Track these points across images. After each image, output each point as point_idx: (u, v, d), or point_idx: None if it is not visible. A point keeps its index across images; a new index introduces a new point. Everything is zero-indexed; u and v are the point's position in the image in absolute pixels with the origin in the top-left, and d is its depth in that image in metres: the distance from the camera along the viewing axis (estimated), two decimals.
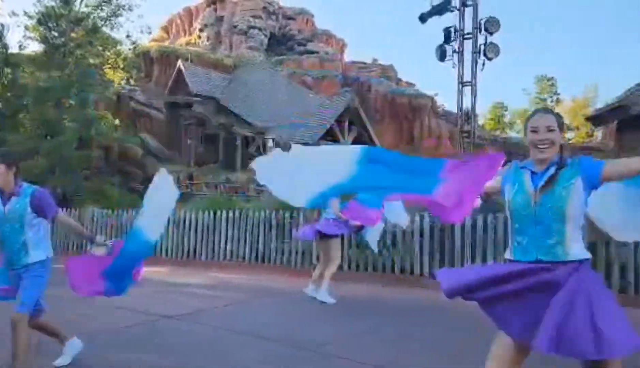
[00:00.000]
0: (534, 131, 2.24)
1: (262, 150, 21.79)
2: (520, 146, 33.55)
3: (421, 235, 8.87)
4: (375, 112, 31.47)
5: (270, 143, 14.97)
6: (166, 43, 37.20)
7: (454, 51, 11.27)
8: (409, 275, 8.84)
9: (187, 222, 11.26)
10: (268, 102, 25.84)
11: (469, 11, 11.33)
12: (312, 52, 37.33)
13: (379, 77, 34.24)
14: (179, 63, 28.39)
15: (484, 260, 8.34)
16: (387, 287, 8.03)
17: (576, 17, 71.95)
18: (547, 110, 2.34)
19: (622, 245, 7.22)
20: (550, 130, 2.22)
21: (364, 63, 37.64)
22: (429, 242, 8.78)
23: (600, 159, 2.26)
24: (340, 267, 7.89)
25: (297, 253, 9.92)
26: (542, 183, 2.19)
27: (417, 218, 8.95)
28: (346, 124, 26.56)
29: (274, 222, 10.27)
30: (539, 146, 2.21)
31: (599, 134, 33.94)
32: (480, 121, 39.12)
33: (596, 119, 11.66)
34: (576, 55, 70.55)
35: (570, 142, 32.00)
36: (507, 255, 2.30)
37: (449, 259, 8.61)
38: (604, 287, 2.14)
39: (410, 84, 36.83)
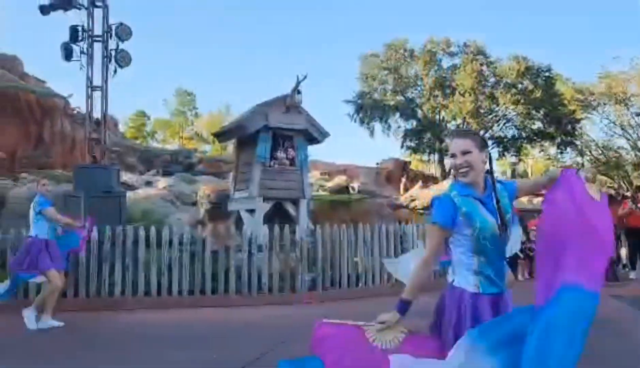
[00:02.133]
0: (453, 156, 2.22)
1: None
2: (159, 156, 34.24)
3: None
4: None
5: None
6: None
7: (82, 52, 10.44)
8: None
9: None
10: None
11: (98, 12, 10.68)
12: None
13: None
14: None
15: (123, 271, 7.99)
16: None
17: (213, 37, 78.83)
18: (462, 134, 2.31)
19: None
20: (466, 153, 2.18)
21: None
22: None
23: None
24: None
25: None
26: (497, 213, 2.17)
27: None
28: None
29: None
30: (460, 171, 2.19)
31: (231, 147, 37.69)
32: (123, 129, 38.21)
33: (220, 135, 12.90)
34: (214, 71, 76.99)
35: (207, 154, 34.41)
36: (472, 288, 2.13)
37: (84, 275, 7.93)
38: None
39: (40, 81, 32.82)
